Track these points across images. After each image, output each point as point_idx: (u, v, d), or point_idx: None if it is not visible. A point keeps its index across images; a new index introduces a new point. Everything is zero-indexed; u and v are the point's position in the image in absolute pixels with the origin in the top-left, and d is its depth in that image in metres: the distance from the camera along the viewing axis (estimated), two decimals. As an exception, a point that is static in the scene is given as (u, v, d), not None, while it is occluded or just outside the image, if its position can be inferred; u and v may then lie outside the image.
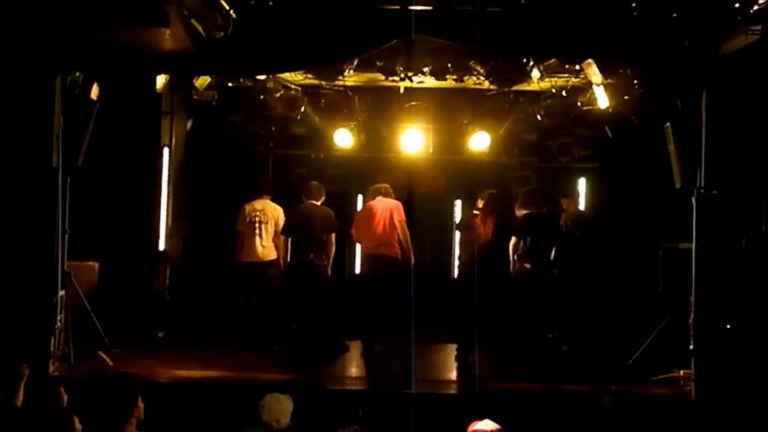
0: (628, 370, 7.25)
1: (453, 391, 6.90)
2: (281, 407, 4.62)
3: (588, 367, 7.49)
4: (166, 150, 8.80)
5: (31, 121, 6.56)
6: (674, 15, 6.46)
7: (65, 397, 4.88)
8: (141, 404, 4.72)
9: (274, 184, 8.57)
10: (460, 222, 8.04)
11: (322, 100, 9.14)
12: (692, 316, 6.65)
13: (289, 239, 8.25)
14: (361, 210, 8.40)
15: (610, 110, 8.26)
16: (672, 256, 7.72)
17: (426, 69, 8.22)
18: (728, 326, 6.47)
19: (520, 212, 8.07)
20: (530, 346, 7.80)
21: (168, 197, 8.83)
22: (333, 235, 8.12)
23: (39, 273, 6.53)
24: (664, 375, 6.89)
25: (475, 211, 7.93)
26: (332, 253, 8.15)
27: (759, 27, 6.22)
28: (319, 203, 8.25)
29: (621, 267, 9.10)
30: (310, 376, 6.86)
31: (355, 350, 8.01)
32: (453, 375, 7.41)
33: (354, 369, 7.55)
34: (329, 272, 8.15)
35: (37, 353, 6.21)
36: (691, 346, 6.62)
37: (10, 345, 6.22)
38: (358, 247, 9.26)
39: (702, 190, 6.56)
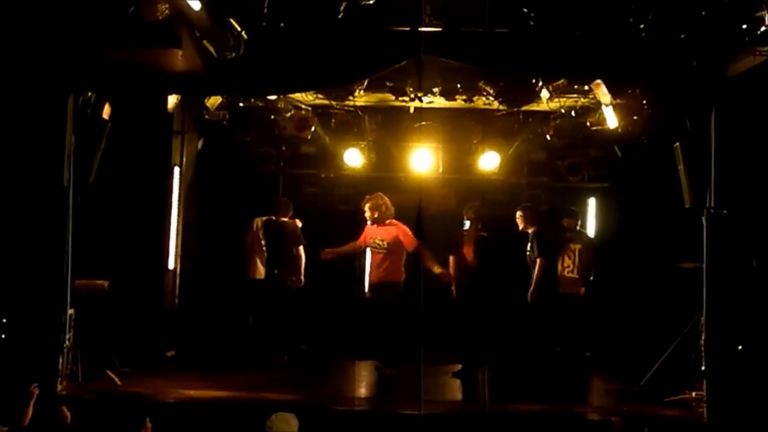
0: (640, 391, 7.20)
1: (462, 412, 6.86)
2: (289, 426, 4.61)
3: (600, 388, 7.44)
4: (176, 169, 8.87)
5: (44, 140, 6.63)
6: (682, 36, 6.47)
7: (69, 415, 4.87)
8: (149, 424, 4.71)
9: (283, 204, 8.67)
10: (452, 246, 8.37)
11: (333, 120, 9.19)
12: (704, 337, 6.61)
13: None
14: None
15: (620, 130, 8.25)
16: (683, 276, 7.67)
17: (436, 89, 8.27)
18: (740, 347, 6.42)
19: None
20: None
21: (178, 216, 8.88)
22: (300, 248, 8.42)
23: (48, 291, 6.56)
24: (676, 396, 6.83)
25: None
26: (302, 267, 8.43)
27: (766, 48, 6.23)
28: (287, 219, 8.53)
29: (632, 287, 9.05)
30: (319, 397, 6.83)
31: (364, 371, 7.99)
32: (462, 395, 7.36)
33: (363, 390, 7.51)
34: (299, 286, 8.43)
35: (45, 372, 6.21)
36: (703, 367, 6.57)
37: (18, 363, 6.24)
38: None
39: (712, 210, 6.53)
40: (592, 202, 9.90)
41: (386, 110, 9.29)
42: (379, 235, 8.14)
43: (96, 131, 7.03)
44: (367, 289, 8.17)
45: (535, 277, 8.34)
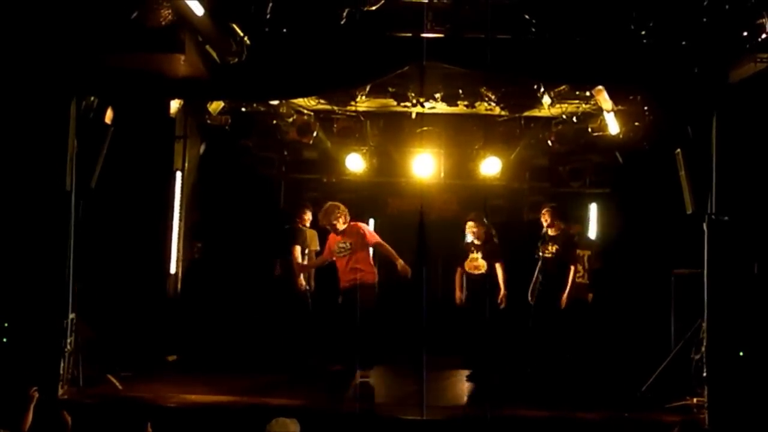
0: (641, 397, 7.19)
1: (464, 417, 6.86)
2: (289, 430, 4.60)
3: (601, 394, 7.43)
4: (178, 174, 8.88)
5: (46, 145, 6.64)
6: (683, 43, 6.48)
7: (69, 420, 4.87)
8: (150, 429, 4.71)
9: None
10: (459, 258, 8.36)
11: (335, 125, 9.21)
12: (705, 343, 6.60)
13: None
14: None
15: (621, 136, 8.28)
16: (684, 282, 7.67)
17: (437, 95, 8.30)
18: (741, 353, 6.42)
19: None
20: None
21: (180, 220, 8.89)
22: (294, 249, 8.34)
23: (50, 295, 6.57)
24: (677, 402, 6.82)
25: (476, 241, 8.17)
26: (299, 269, 8.32)
27: (767, 55, 6.24)
28: (300, 224, 8.52)
29: (633, 293, 9.05)
30: (320, 401, 6.83)
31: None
32: (464, 401, 7.35)
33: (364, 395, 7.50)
34: (299, 287, 8.26)
35: (46, 376, 6.22)
36: (705, 374, 6.56)
37: (20, 367, 6.24)
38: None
39: (713, 216, 6.53)
40: (593, 208, 9.90)
41: (388, 115, 9.31)
42: (342, 238, 7.92)
43: (98, 136, 7.05)
44: (340, 297, 7.90)
45: (570, 283, 8.09)
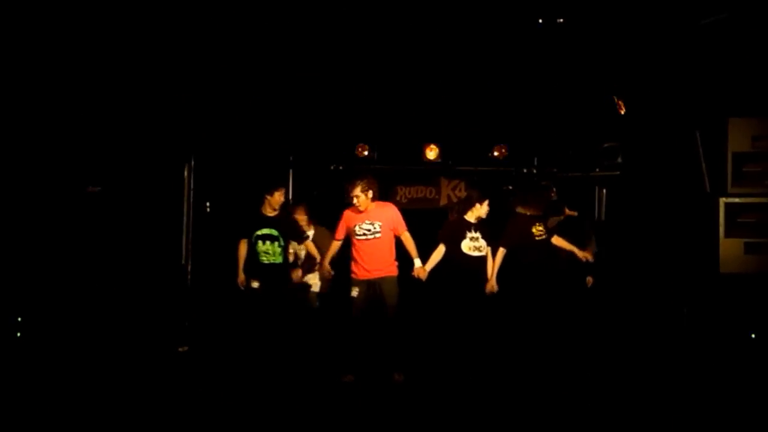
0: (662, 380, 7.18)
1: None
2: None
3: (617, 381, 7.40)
4: (189, 165, 8.84)
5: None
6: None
7: None
8: None
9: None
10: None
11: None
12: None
13: None
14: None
15: (632, 118, 8.22)
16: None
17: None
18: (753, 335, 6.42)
19: None
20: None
21: (189, 211, 8.87)
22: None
23: (64, 288, 6.57)
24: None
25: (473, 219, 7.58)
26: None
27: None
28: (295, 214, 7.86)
29: (647, 276, 9.03)
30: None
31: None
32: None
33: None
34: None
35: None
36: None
37: (36, 362, 6.25)
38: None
39: (728, 197, 6.51)
40: (603, 192, 9.87)
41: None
42: (367, 218, 6.79)
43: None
44: (356, 291, 6.87)
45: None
